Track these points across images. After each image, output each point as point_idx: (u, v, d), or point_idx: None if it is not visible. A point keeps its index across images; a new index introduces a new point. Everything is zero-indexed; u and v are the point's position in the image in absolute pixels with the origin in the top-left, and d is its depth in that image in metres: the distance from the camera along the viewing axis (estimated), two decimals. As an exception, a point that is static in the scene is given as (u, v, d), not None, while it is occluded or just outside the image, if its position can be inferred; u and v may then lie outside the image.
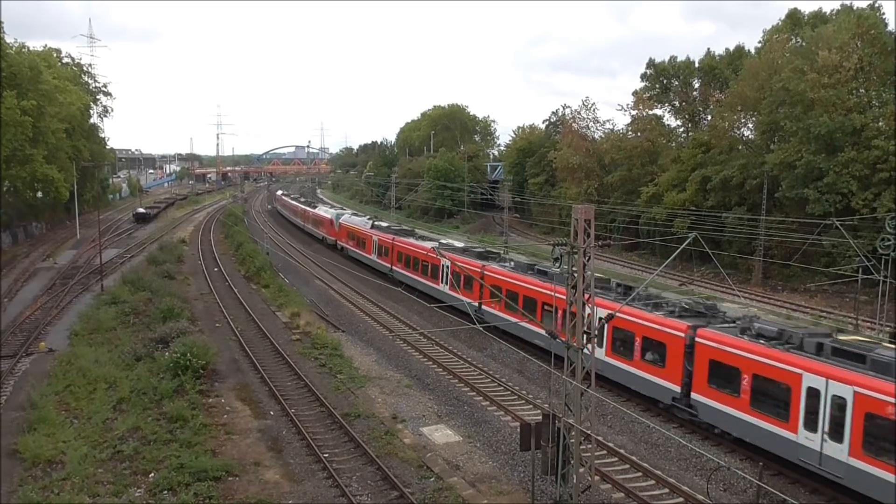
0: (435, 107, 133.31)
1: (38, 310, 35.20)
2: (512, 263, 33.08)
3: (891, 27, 45.32)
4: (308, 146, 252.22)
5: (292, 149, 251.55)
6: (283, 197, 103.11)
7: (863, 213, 39.23)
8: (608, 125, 70.81)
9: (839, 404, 16.00)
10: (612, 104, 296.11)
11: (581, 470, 15.21)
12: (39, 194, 56.39)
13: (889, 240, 30.61)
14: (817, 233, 37.70)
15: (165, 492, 16.57)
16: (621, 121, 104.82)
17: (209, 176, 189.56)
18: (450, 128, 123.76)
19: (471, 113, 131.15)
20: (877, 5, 46.69)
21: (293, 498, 16.71)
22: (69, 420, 20.81)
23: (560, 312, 24.93)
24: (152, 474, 17.50)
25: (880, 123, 42.07)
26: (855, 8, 47.95)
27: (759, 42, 56.79)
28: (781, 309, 38.34)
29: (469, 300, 31.82)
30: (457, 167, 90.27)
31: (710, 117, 61.08)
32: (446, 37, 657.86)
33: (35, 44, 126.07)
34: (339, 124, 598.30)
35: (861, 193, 40.70)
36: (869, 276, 31.39)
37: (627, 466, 18.75)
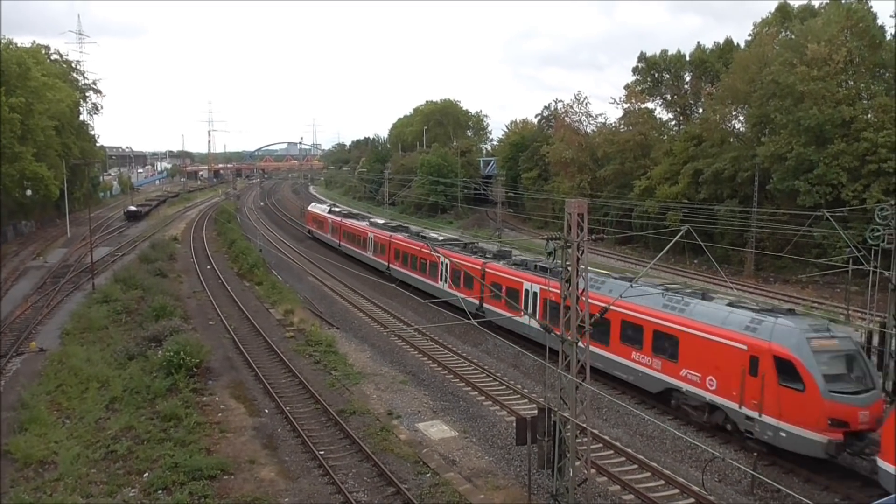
0: (427, 102, 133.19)
1: (29, 309, 34.92)
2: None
3: (879, 21, 45.57)
4: (300, 143, 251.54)
5: (284, 145, 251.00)
6: (366, 227, 48.83)
7: (852, 204, 39.44)
8: (600, 119, 71.01)
9: None
10: (601, 98, 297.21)
11: (577, 463, 15.23)
12: (29, 192, 55.92)
13: (878, 230, 30.77)
14: (808, 224, 37.85)
15: (160, 491, 16.48)
16: (613, 114, 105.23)
17: (201, 173, 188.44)
18: (442, 123, 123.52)
19: (463, 108, 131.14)
20: (863, -2, 46.90)
21: (289, 496, 16.66)
22: (61, 420, 20.67)
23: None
24: (146, 474, 17.41)
25: (869, 115, 42.30)
26: (843, 1, 48.11)
27: (749, 35, 57.06)
28: (773, 300, 38.53)
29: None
30: (450, 162, 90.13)
31: (701, 110, 61.23)
32: (435, 31, 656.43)
33: (19, 40, 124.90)
34: (331, 120, 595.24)
35: (851, 185, 40.97)
36: (859, 267, 31.57)
37: (623, 459, 18.80)
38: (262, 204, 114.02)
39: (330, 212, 61.72)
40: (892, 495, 15.21)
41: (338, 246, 54.83)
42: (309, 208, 71.57)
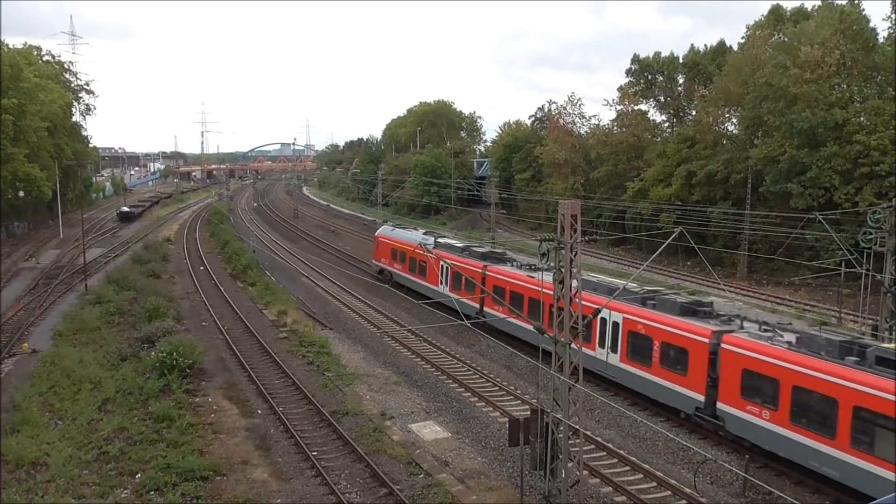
0: (421, 103, 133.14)
1: (21, 310, 34.76)
2: None
3: (872, 24, 45.86)
4: (294, 143, 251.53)
5: (278, 146, 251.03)
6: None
7: (845, 207, 39.63)
8: (593, 121, 71.20)
9: None
10: (593, 99, 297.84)
11: (569, 465, 15.27)
12: (21, 193, 55.70)
13: (871, 233, 30.95)
14: (801, 227, 38.06)
15: (152, 492, 16.45)
16: (606, 116, 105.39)
17: (194, 174, 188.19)
18: (436, 124, 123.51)
19: (457, 109, 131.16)
20: (856, 1, 47.18)
21: (281, 497, 16.64)
22: (53, 421, 20.59)
23: None
24: (139, 475, 17.36)
25: (861, 118, 42.49)
26: (836, 4, 48.41)
27: (742, 38, 57.34)
28: (766, 303, 38.70)
29: None
30: (443, 163, 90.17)
31: (694, 112, 61.45)
32: (427, 32, 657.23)
33: (10, 42, 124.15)
34: (324, 121, 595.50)
35: (843, 188, 41.16)
36: (851, 270, 31.75)
37: (615, 461, 18.85)
38: (255, 205, 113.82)
39: (437, 245, 37.71)
40: (892, 495, 15.28)
41: (477, 313, 31.86)
42: (380, 235, 45.99)
